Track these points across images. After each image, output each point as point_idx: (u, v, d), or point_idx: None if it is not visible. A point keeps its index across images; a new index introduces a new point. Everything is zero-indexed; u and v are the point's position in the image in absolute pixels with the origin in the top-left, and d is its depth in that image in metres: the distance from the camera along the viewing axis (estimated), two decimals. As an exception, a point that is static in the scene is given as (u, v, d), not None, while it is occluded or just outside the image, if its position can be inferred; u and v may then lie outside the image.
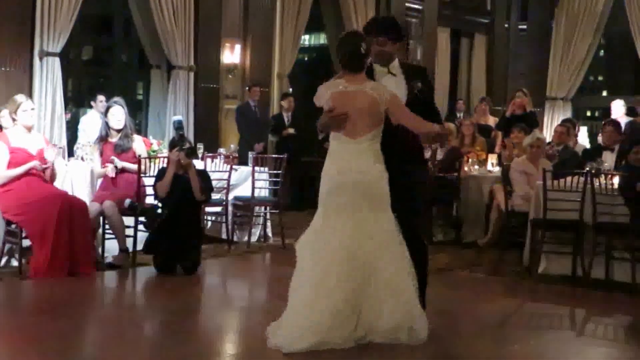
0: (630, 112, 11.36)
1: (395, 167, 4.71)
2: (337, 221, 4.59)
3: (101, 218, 6.97)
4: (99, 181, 7.22)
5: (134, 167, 7.06)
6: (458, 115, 12.57)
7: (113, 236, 6.97)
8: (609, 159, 7.62)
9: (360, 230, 4.58)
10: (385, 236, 4.62)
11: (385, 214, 4.64)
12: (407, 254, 4.65)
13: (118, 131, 7.15)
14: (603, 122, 8.30)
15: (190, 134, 9.73)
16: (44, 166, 6.62)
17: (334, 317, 4.44)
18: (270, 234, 8.63)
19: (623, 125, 10.79)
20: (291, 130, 10.93)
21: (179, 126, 7.00)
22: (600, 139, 8.15)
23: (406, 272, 4.62)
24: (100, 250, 7.12)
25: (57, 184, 6.91)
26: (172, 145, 7.04)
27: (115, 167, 7.05)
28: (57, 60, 8.75)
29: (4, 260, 6.70)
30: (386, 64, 4.90)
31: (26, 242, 6.51)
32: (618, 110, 11.40)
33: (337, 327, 4.44)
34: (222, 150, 9.03)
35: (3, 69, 8.56)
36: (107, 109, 7.23)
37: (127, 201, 6.96)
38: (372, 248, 4.57)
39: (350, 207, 4.59)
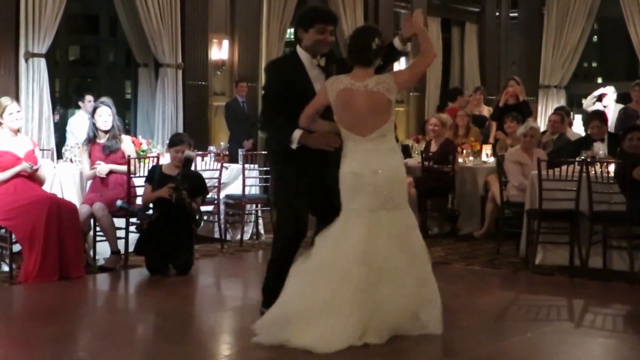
0: (623, 98, 11.31)
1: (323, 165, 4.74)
2: (355, 223, 4.56)
3: (92, 220, 6.89)
4: (89, 183, 7.14)
5: (123, 168, 6.98)
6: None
7: (104, 238, 6.90)
8: (600, 149, 7.54)
9: (377, 230, 4.55)
10: (403, 234, 4.61)
11: (403, 211, 4.65)
12: (424, 247, 4.70)
13: (106, 132, 7.06)
14: (587, 117, 8.25)
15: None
16: (35, 167, 6.53)
17: (352, 317, 4.42)
18: (262, 232, 8.56)
19: (617, 112, 10.79)
20: None
21: (186, 163, 6.87)
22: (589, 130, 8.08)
23: (420, 263, 4.64)
24: (91, 252, 7.05)
25: (46, 186, 6.83)
26: (172, 143, 6.96)
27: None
28: (42, 61, 8.65)
29: (-6, 265, 6.64)
30: (319, 54, 4.81)
31: (17, 247, 6.44)
32: (608, 97, 11.34)
33: (356, 327, 4.42)
34: (212, 148, 8.95)
35: (-12, 71, 8.48)
36: (94, 109, 7.13)
37: (118, 202, 6.88)
38: (388, 249, 4.54)
39: (367, 207, 4.56)
